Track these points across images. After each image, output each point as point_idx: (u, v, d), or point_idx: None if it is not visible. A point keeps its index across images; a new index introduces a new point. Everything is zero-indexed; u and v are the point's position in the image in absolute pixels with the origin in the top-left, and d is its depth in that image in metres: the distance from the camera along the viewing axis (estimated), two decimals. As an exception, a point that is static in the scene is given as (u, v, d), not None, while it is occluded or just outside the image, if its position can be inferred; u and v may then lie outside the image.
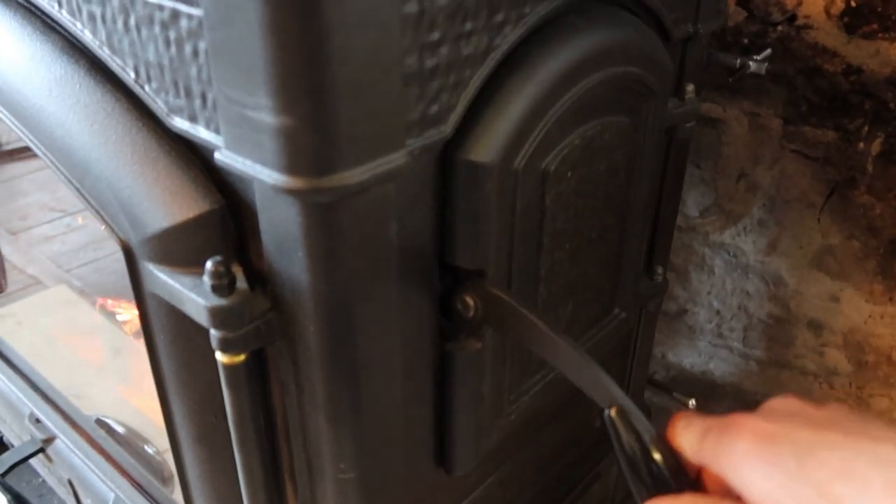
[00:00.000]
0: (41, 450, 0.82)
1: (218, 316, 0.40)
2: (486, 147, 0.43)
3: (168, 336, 0.46)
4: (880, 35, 0.98)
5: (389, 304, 0.43)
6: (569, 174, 0.50)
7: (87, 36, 0.45)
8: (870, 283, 1.13)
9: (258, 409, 0.46)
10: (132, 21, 0.41)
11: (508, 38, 0.43)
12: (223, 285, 0.40)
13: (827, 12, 1.00)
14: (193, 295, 0.41)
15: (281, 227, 0.39)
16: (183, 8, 0.37)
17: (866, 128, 1.04)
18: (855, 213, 1.11)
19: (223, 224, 0.43)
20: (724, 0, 0.63)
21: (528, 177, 0.47)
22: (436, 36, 0.39)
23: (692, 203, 1.26)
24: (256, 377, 0.46)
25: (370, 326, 0.43)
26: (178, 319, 0.45)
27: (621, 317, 0.66)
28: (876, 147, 1.05)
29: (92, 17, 0.44)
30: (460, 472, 0.55)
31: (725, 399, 1.32)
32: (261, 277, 0.43)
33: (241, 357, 0.43)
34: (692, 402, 0.83)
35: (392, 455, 0.49)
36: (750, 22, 1.06)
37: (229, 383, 0.43)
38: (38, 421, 0.84)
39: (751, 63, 0.70)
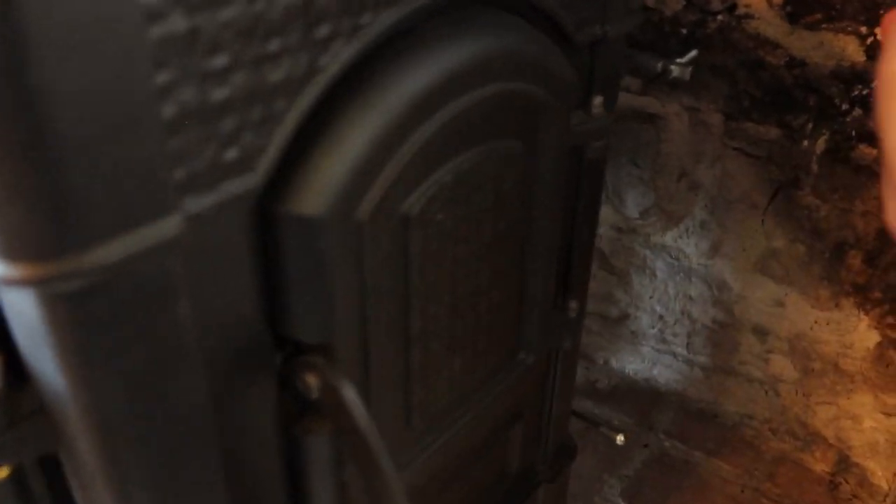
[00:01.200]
0: None
1: (-45, 428, 0.31)
2: (315, 196, 0.34)
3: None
4: (824, 25, 0.91)
5: (194, 399, 0.34)
6: (439, 217, 0.41)
7: None
8: (815, 287, 1.07)
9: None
10: None
11: (340, 57, 0.34)
12: (-42, 390, 0.30)
13: (769, 1, 0.92)
14: (-77, 401, 0.31)
15: (23, 318, 0.29)
16: None
17: (811, 124, 0.98)
18: (799, 215, 1.04)
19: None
20: (637, -4, 0.54)
21: (381, 226, 0.38)
22: (223, 61, 0.29)
23: (632, 203, 1.19)
24: (49, 488, 0.36)
25: (168, 433, 0.33)
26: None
27: (528, 361, 0.57)
28: (821, 145, 0.98)
29: None
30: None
31: (670, 408, 1.25)
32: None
33: (3, 472, 0.33)
34: (620, 438, 0.76)
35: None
36: (688, 11, 0.98)
37: (-10, 505, 0.34)
38: None
39: (673, 67, 0.61)
